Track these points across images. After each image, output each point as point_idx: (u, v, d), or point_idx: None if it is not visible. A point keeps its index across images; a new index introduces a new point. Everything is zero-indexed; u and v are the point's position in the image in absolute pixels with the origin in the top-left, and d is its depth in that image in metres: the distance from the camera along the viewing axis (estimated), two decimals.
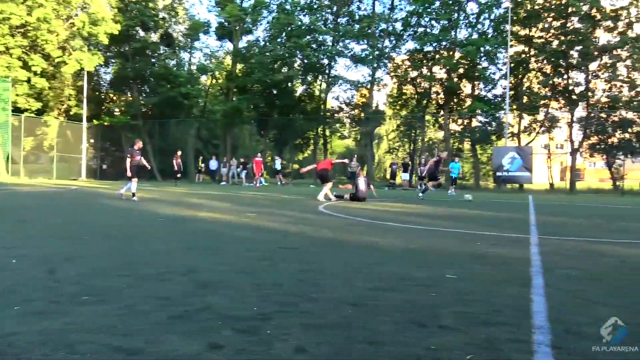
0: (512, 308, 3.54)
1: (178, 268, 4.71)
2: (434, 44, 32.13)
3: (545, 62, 31.15)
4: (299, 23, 34.40)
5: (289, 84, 36.94)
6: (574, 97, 30.67)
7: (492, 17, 31.52)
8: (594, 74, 30.51)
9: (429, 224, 9.23)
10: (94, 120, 35.17)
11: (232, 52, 37.09)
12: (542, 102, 31.47)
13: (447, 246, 6.56)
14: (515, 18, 30.28)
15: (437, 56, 32.42)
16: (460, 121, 33.84)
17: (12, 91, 28.07)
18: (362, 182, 15.78)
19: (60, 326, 2.92)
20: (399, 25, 33.63)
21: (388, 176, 32.45)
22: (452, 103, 33.38)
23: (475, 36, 31.55)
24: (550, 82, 30.97)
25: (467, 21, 31.95)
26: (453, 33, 31.86)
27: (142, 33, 36.27)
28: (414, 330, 3.02)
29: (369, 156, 35.90)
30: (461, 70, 32.03)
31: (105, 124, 35.79)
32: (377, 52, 33.54)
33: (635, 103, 29.46)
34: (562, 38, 30.23)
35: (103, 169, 37.15)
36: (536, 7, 30.76)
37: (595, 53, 29.82)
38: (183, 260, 5.18)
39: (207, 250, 5.88)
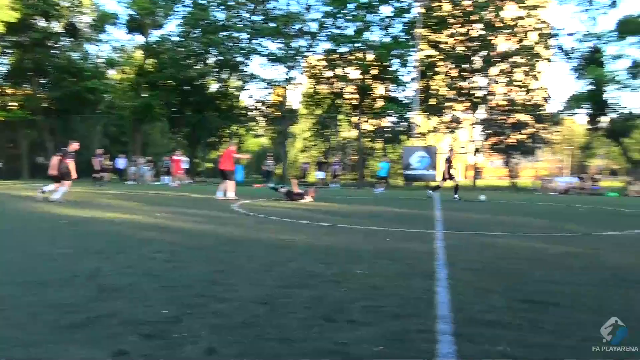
0: (418, 300, 3.70)
1: (82, 272, 4.46)
2: (348, 45, 32.77)
3: (451, 66, 32.82)
4: (214, 19, 33.71)
5: (203, 81, 36.09)
6: (476, 100, 32.62)
7: (404, 21, 32.67)
8: (494, 79, 32.64)
9: (340, 222, 9.40)
10: None
11: (143, 46, 35.61)
12: (447, 104, 33.15)
13: (357, 243, 6.73)
14: (425, 23, 31.66)
15: (351, 57, 33.12)
16: (372, 121, 34.83)
17: None
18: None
19: None
20: (314, 26, 33.96)
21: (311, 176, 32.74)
22: (365, 103, 34.26)
23: (387, 39, 32.57)
24: (455, 85, 32.73)
25: (380, 24, 32.85)
26: (366, 35, 32.70)
27: (43, 23, 33.79)
28: (324, 326, 3.07)
29: (282, 155, 35.98)
30: (374, 72, 32.97)
31: (1, 119, 32.96)
32: (292, 51, 33.65)
33: (529, 107, 31.93)
34: (467, 44, 32.03)
35: None
36: (444, 13, 32.33)
37: (496, 59, 31.91)
38: (87, 263, 4.91)
39: (113, 253, 5.60)
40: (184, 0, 34.49)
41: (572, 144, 43.37)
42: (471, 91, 32.66)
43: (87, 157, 27.97)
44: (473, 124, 33.10)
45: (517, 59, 31.61)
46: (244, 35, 34.67)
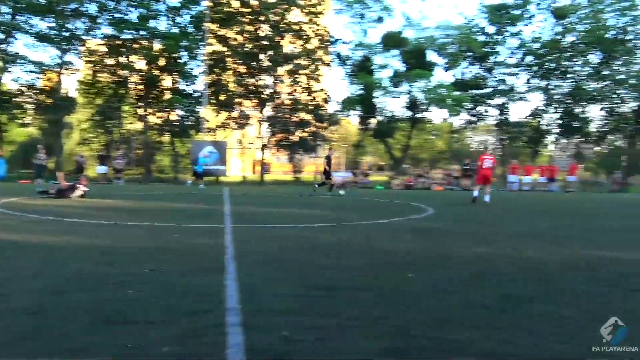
0: (209, 295, 3.74)
1: None
2: (132, 32, 30.84)
3: (239, 62, 33.35)
4: None
5: None
6: (263, 97, 33.81)
7: (193, 13, 32.04)
8: (280, 79, 34.25)
9: (126, 219, 8.90)
10: None
11: None
12: (236, 100, 33.66)
13: (144, 241, 6.47)
14: (213, 18, 31.54)
15: (136, 45, 31.28)
16: (159, 114, 33.45)
17: None
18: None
19: None
20: (93, 7, 31.08)
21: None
22: (151, 95, 32.70)
23: (175, 30, 31.59)
24: (244, 82, 33.43)
25: (168, 14, 31.64)
26: (153, 24, 31.20)
27: None
28: (110, 330, 2.91)
29: (57, 147, 32.24)
30: (161, 63, 31.67)
31: None
32: (66, 33, 30.31)
33: (311, 107, 34.36)
34: (255, 42, 32.92)
35: None
36: (232, 10, 32.64)
37: (282, 60, 33.49)
38: None
39: None
40: None
41: (347, 142, 47.88)
42: (259, 89, 33.74)
43: None
44: (260, 120, 34.25)
45: (301, 62, 33.66)
46: (5, 9, 30.01)
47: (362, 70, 33.06)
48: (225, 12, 32.21)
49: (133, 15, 30.71)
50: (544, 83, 36.44)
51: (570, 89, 36.35)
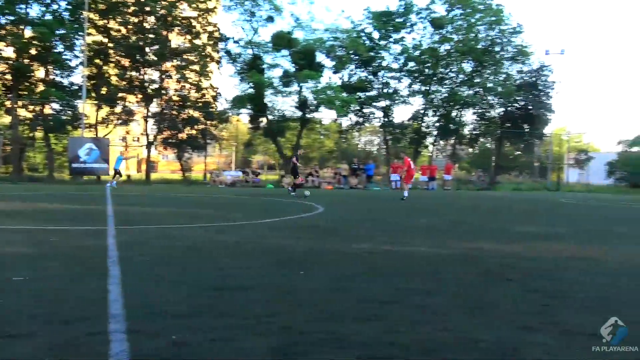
0: (91, 302, 3.54)
1: None
2: None
3: (123, 55, 31.62)
4: None
5: None
6: (149, 92, 32.36)
7: (70, 0, 29.73)
8: (167, 74, 32.99)
9: None
10: None
11: None
12: (120, 95, 31.87)
13: (15, 246, 5.93)
14: (93, 7, 29.58)
15: (3, 31, 28.37)
16: (31, 107, 30.62)
17: None
18: None
19: None
20: None
21: None
22: (21, 86, 29.83)
23: (49, 17, 29.11)
24: (128, 75, 31.74)
25: None
26: (22, 8, 28.48)
27: None
28: None
29: None
30: (33, 52, 29.00)
31: None
32: None
33: (200, 103, 33.53)
34: (140, 35, 31.38)
35: None
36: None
37: (169, 54, 32.30)
38: None
39: None
40: None
41: (238, 140, 47.43)
42: (145, 84, 32.24)
43: None
44: (146, 117, 32.75)
45: (190, 57, 32.72)
46: None
47: (252, 68, 32.90)
48: (107, 1, 30.35)
49: None
50: (424, 88, 38.83)
51: (447, 94, 39.15)
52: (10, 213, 10.28)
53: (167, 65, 32.78)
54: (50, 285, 4.05)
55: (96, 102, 31.28)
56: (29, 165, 31.14)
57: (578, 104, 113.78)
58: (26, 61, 28.92)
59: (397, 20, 36.84)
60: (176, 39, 33.24)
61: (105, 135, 32.16)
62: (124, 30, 31.28)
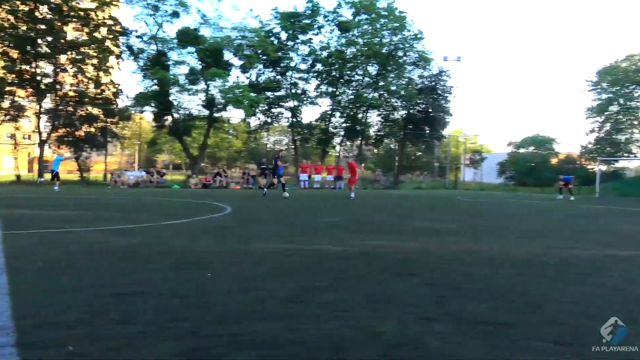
0: None
1: None
2: None
3: (11, 46, 29.15)
4: None
5: None
6: (42, 87, 30.11)
7: None
8: (62, 67, 30.88)
9: None
10: None
11: None
12: (8, 88, 29.33)
13: None
14: None
15: None
16: None
17: None
18: None
19: None
20: None
21: None
22: None
23: None
24: (17, 68, 29.31)
25: None
26: None
27: None
28: None
29: None
30: None
31: None
32: None
33: (100, 100, 31.73)
34: (31, 25, 29.10)
35: None
36: None
37: (64, 47, 30.25)
38: None
39: None
40: None
41: (141, 139, 45.57)
42: (37, 77, 29.94)
43: None
44: (38, 113, 30.43)
45: (88, 51, 30.87)
46: None
47: (156, 65, 31.70)
48: None
49: None
50: (331, 89, 39.60)
51: (353, 96, 40.24)
52: None
53: (63, 58, 30.70)
54: None
55: None
56: None
57: (473, 107, 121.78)
58: None
59: (305, 21, 37.28)
60: (73, 32, 31.19)
61: None
62: (12, 19, 28.83)
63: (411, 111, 43.24)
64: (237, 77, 36.79)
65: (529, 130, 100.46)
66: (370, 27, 38.67)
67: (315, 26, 37.96)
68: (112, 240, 6.80)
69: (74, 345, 2.72)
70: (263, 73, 38.25)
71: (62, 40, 30.02)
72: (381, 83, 40.57)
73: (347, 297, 3.98)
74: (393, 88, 40.60)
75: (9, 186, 25.19)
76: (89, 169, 33.06)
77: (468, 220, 11.99)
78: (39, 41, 29.56)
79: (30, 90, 30.03)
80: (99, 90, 31.93)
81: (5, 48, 29.18)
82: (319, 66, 38.81)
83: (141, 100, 32.86)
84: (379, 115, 43.71)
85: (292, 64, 38.51)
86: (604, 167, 38.37)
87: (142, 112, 36.34)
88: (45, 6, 29.40)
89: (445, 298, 3.97)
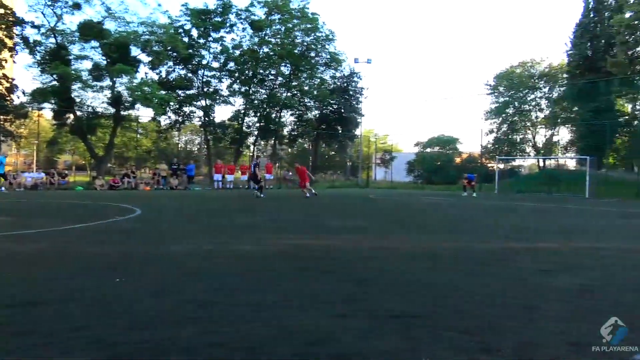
0: None
1: None
2: None
3: None
4: None
5: None
6: None
7: None
8: None
9: None
10: None
11: None
12: None
13: None
14: None
15: None
16: None
17: None
18: None
19: None
20: None
21: None
22: None
23: None
24: None
25: None
26: None
27: None
28: None
29: None
30: None
31: None
32: None
33: None
34: None
35: None
36: None
37: None
38: None
39: None
40: None
41: (40, 138, 42.49)
42: None
43: None
44: None
45: None
46: None
47: (56, 59, 29.66)
48: None
49: None
50: (244, 88, 39.24)
51: (267, 96, 40.15)
52: None
53: None
54: None
55: None
56: None
57: (383, 108, 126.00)
58: None
59: (216, 19, 36.66)
60: None
61: None
62: None
63: (324, 111, 43.92)
64: (146, 73, 35.52)
65: (434, 130, 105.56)
66: (283, 27, 38.78)
67: (228, 24, 37.45)
68: (7, 247, 6.29)
69: None
70: (174, 70, 37.20)
71: None
72: (294, 83, 40.83)
73: (265, 297, 3.97)
74: (306, 88, 41.02)
75: None
76: None
77: (381, 218, 12.39)
78: None
79: None
80: None
81: None
82: (231, 65, 38.33)
83: (39, 96, 30.59)
84: (292, 115, 44.02)
85: (204, 62, 37.75)
86: (501, 166, 41.20)
87: (40, 109, 33.84)
88: None
89: (359, 294, 4.09)
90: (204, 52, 37.44)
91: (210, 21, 36.32)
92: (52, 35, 30.86)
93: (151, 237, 7.77)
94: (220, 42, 37.60)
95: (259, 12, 37.91)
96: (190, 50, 35.61)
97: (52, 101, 31.45)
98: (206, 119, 38.57)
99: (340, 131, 44.43)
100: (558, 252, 6.83)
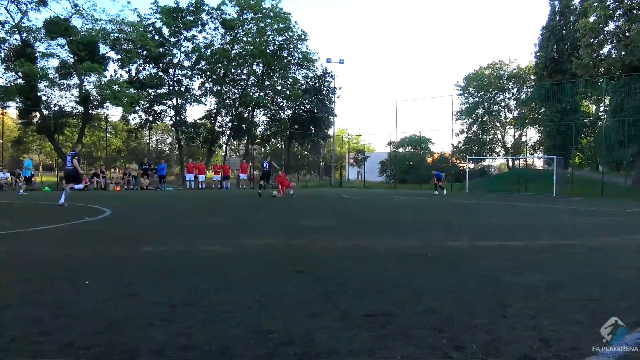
0: None
1: None
2: None
3: None
4: None
5: None
6: None
7: None
8: None
9: None
10: None
11: None
12: None
13: None
14: None
15: None
16: None
17: None
18: None
19: None
20: None
21: None
22: None
23: None
24: None
25: None
26: None
27: None
28: None
29: None
30: None
31: None
32: None
33: None
34: None
35: None
36: None
37: None
38: None
39: None
40: None
41: (4, 138, 41.31)
42: None
43: None
44: None
45: None
46: None
47: (21, 56, 28.85)
48: None
49: None
50: (216, 88, 38.90)
51: (239, 95, 39.89)
52: None
53: None
54: None
55: None
56: None
57: (356, 108, 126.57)
58: None
59: (188, 17, 36.23)
60: None
61: None
62: None
63: (297, 111, 43.88)
64: (115, 71, 34.82)
65: (406, 130, 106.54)
66: (255, 27, 38.57)
67: (199, 23, 37.06)
68: None
69: None
70: (144, 69, 36.63)
71: None
72: (267, 82, 40.67)
73: (236, 297, 3.94)
74: (279, 88, 40.88)
75: None
76: None
77: (353, 217, 12.45)
78: None
79: None
80: None
81: None
82: (203, 64, 37.93)
83: (3, 95, 29.73)
84: (265, 114, 43.84)
85: (176, 61, 37.28)
86: (472, 165, 41.87)
87: (4, 107, 32.87)
88: None
89: (332, 293, 4.09)
90: (175, 51, 37.03)
91: (181, 20, 35.87)
92: (17, 32, 29.99)
93: (121, 238, 7.64)
94: (192, 41, 37.21)
95: (231, 11, 37.67)
96: (161, 49, 35.12)
97: (18, 100, 30.60)
98: (178, 118, 38.10)
99: (313, 131, 44.45)
100: (526, 249, 6.98)
